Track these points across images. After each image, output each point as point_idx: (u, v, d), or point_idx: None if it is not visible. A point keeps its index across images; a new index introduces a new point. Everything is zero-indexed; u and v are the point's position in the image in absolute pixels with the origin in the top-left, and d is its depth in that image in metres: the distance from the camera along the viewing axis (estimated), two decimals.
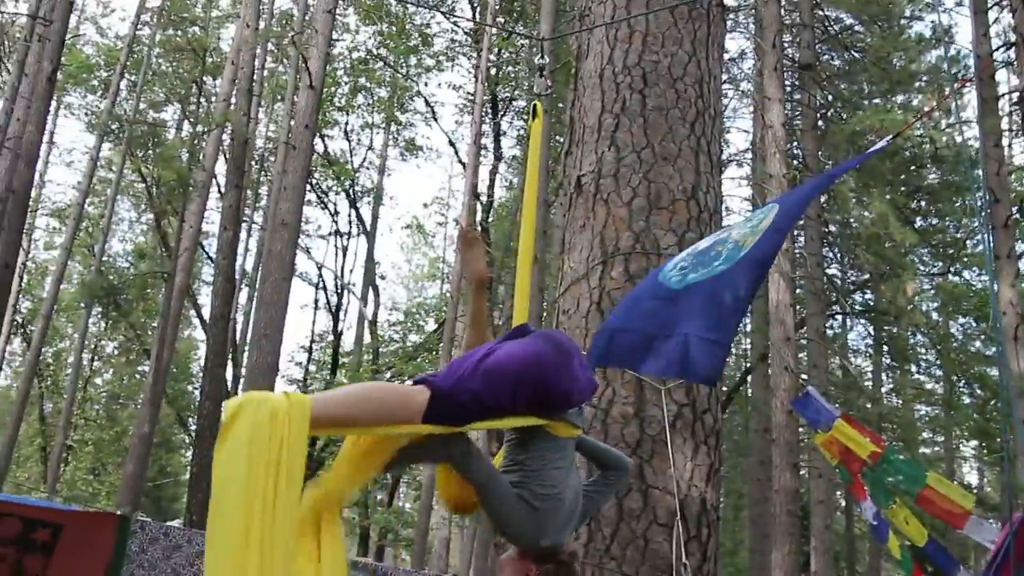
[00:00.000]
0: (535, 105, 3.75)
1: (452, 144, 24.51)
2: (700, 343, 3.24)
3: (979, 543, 5.62)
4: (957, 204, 19.98)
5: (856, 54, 20.60)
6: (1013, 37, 14.49)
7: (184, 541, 4.36)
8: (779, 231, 3.28)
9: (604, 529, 4.52)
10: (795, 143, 18.73)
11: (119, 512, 4.59)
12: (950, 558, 6.12)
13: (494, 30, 19.15)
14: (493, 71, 21.22)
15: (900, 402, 26.46)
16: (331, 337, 25.20)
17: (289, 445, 2.01)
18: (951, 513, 5.30)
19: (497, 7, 19.72)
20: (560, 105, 16.89)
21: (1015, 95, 16.05)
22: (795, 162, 18.26)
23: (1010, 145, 18.44)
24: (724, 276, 3.30)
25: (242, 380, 18.80)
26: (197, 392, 23.94)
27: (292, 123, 17.63)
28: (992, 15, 15.47)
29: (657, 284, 3.70)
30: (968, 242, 20.15)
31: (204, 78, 22.62)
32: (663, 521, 4.53)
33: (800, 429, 15.08)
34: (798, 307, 16.80)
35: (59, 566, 4.05)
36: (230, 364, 19.84)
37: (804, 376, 16.33)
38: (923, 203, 21.72)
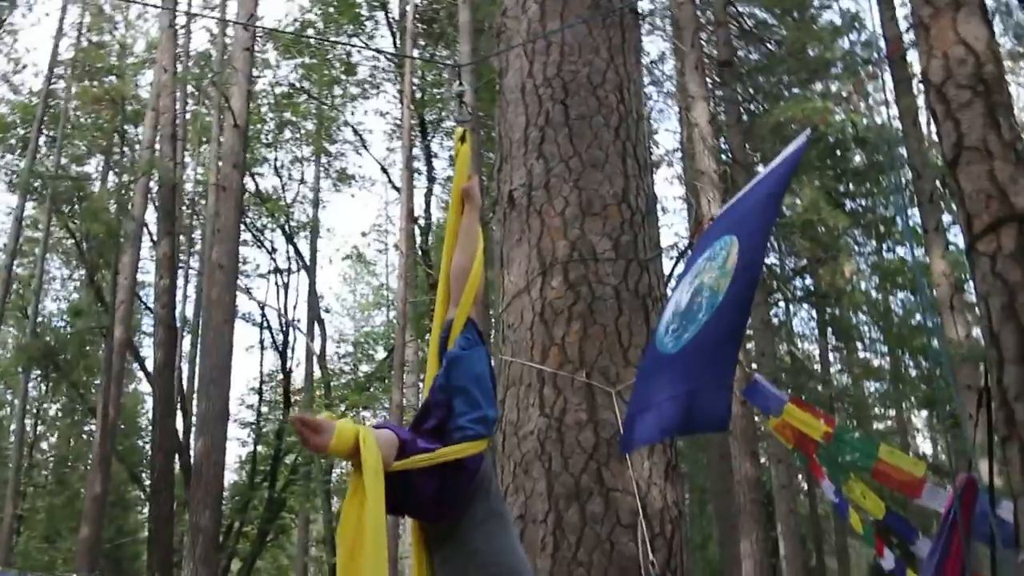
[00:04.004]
0: (464, 132, 3.76)
1: (384, 170, 24.45)
2: (704, 395, 3.29)
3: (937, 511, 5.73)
4: (884, 184, 20.49)
5: (772, 47, 21.08)
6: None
7: None
8: (749, 267, 3.31)
9: (569, 536, 4.53)
10: (722, 138, 19.06)
11: None
12: (910, 527, 6.23)
13: (416, 53, 19.19)
14: (419, 94, 21.24)
15: (849, 381, 26.98)
16: (280, 376, 24.87)
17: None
18: (906, 484, 5.39)
19: (417, 31, 19.76)
20: (490, 123, 16.97)
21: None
22: (724, 157, 18.58)
23: (928, 122, 18.97)
24: (711, 325, 3.36)
25: (193, 429, 18.45)
26: (148, 446, 23.44)
27: (220, 164, 17.44)
28: None
29: (657, 355, 3.81)
30: (897, 219, 20.68)
31: (125, 127, 22.26)
32: (626, 522, 4.56)
33: (756, 418, 15.28)
34: None
35: None
36: (180, 414, 19.47)
37: (754, 365, 16.57)
38: (851, 185, 22.23)
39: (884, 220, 21.63)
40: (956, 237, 17.85)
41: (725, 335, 3.27)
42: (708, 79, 18.87)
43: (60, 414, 29.59)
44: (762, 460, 19.79)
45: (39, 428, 28.71)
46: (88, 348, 23.97)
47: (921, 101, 16.21)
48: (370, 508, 2.31)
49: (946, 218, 16.72)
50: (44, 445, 29.80)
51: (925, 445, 32.73)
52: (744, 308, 3.28)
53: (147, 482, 21.29)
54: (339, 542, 2.36)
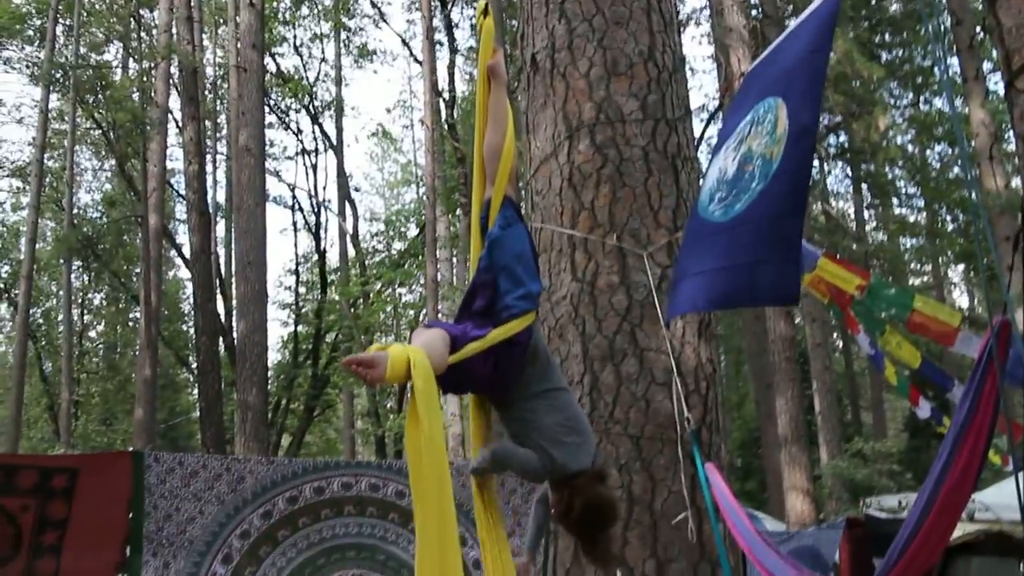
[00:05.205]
0: (486, 4, 3.62)
1: (405, 43, 23.95)
2: (770, 268, 3.15)
3: (973, 359, 5.76)
4: (920, 31, 19.74)
5: None
6: None
7: (200, 467, 4.46)
8: (804, 134, 3.12)
9: (605, 396, 4.62)
10: None
11: (131, 450, 4.69)
12: (945, 376, 6.27)
13: None
14: None
15: (885, 237, 26.72)
16: (316, 257, 25.15)
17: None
18: (941, 333, 5.40)
19: None
20: None
21: None
22: (754, 12, 17.93)
23: None
24: (767, 195, 3.21)
25: (234, 311, 18.84)
26: (192, 330, 24.02)
27: (238, 45, 17.16)
28: None
29: (702, 223, 3.67)
30: (936, 68, 20.00)
31: (140, 11, 21.87)
32: (661, 380, 4.63)
33: None
34: None
35: (82, 508, 4.16)
36: (220, 297, 19.83)
37: None
38: (887, 35, 21.45)
39: (921, 70, 20.94)
40: (996, 85, 17.28)
41: (788, 207, 3.10)
42: None
43: (105, 303, 30.29)
44: (796, 320, 19.88)
45: (86, 317, 29.46)
46: (126, 237, 24.29)
47: None
48: (425, 429, 2.45)
49: (986, 66, 16.14)
50: (92, 333, 30.63)
51: (962, 300, 32.66)
52: (803, 177, 3.11)
53: (194, 365, 21.91)
54: (408, 460, 2.54)
